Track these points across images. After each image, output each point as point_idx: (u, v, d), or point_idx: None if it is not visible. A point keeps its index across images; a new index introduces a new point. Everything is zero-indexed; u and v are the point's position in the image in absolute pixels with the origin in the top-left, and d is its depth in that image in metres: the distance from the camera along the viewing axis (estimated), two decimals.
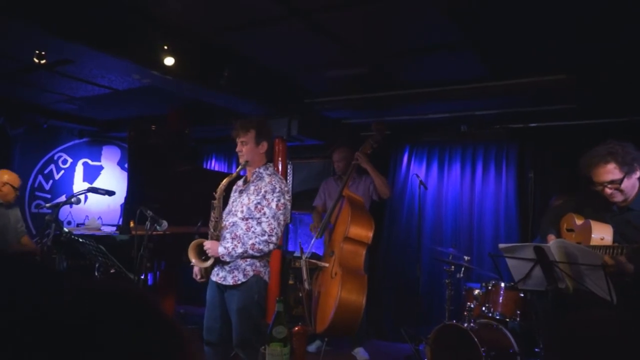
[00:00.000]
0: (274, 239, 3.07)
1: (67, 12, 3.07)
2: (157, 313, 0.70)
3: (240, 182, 3.36)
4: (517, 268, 2.82)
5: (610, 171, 2.67)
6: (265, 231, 3.06)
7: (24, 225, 4.80)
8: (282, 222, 3.13)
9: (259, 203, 3.11)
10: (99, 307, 0.66)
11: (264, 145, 3.26)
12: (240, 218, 3.16)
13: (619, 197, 2.73)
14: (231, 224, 3.20)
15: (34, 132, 6.51)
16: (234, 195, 3.35)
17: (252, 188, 3.20)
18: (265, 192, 3.12)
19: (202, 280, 3.27)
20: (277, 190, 3.12)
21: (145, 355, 0.65)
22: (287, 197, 3.18)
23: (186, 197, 4.85)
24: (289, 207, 3.22)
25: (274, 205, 3.09)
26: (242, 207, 3.18)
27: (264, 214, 3.09)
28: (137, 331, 0.66)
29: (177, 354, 0.70)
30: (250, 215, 3.13)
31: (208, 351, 3.26)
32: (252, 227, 3.11)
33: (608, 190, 2.71)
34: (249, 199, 3.17)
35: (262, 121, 3.37)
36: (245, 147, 3.22)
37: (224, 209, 3.32)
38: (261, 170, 3.26)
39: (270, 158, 3.38)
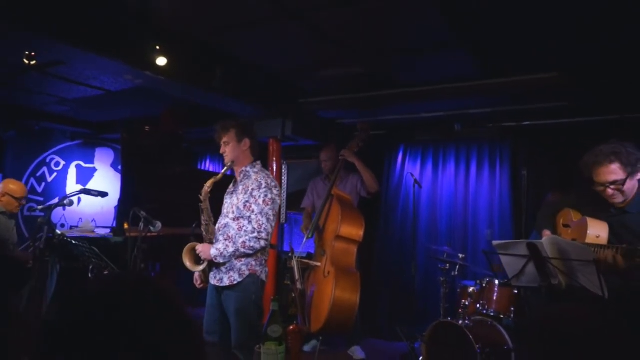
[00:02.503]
0: (263, 235, 3.05)
1: (57, 13, 3.05)
2: (174, 304, 0.71)
3: (231, 185, 3.35)
4: (510, 265, 2.83)
5: (614, 171, 2.64)
6: (255, 228, 3.04)
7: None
8: (271, 218, 3.10)
9: (247, 201, 3.10)
10: (122, 301, 0.67)
11: (247, 143, 3.23)
12: (232, 219, 3.15)
13: (619, 199, 2.71)
14: (223, 225, 3.20)
15: (26, 135, 6.46)
16: (226, 198, 3.34)
17: (240, 188, 3.20)
18: (252, 189, 3.10)
19: (203, 285, 3.28)
20: (264, 186, 3.09)
21: (162, 345, 0.66)
22: (274, 192, 3.13)
23: (181, 198, 4.83)
24: (278, 201, 3.18)
25: (260, 201, 3.07)
26: (232, 207, 3.18)
27: (252, 211, 3.07)
28: (156, 322, 0.67)
29: (191, 344, 0.71)
30: (240, 215, 3.12)
31: (210, 351, 3.27)
32: (243, 226, 3.10)
33: (610, 191, 2.68)
34: (237, 198, 3.17)
35: (242, 120, 3.37)
36: (228, 147, 3.22)
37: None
38: (248, 169, 3.24)
39: (258, 156, 3.34)
